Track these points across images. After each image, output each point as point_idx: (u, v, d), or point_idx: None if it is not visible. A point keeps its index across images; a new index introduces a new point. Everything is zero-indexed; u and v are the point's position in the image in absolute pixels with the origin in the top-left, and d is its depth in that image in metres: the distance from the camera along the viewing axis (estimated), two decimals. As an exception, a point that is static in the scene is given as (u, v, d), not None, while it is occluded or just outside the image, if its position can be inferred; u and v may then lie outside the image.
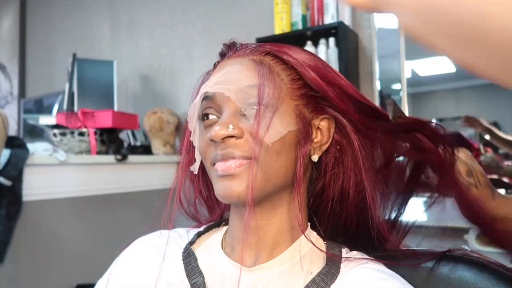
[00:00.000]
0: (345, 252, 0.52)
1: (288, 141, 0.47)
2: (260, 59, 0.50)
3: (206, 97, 0.49)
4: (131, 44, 2.60)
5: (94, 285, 0.57)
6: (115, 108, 2.16)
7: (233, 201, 0.48)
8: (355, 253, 0.52)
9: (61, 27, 2.99)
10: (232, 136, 0.46)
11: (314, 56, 0.52)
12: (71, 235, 1.61)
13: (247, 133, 0.46)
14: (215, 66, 0.55)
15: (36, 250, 1.49)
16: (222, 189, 0.47)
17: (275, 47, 0.51)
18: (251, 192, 0.45)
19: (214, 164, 0.48)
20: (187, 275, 0.52)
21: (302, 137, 0.48)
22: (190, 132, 0.53)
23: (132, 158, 1.84)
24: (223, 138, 0.46)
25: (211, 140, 0.47)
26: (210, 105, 0.49)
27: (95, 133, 1.75)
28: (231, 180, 0.46)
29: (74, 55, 2.08)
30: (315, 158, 0.50)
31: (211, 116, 0.50)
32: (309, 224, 0.54)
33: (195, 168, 0.53)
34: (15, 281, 1.38)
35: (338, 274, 0.48)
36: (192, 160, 0.55)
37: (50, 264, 1.53)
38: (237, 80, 0.48)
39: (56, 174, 1.58)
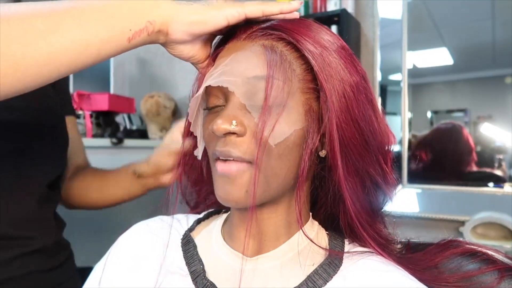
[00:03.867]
0: (347, 243, 0.52)
1: (292, 142, 0.44)
2: (271, 44, 0.46)
3: None
4: (128, 26, 2.55)
5: (91, 269, 0.56)
6: (111, 91, 2.13)
7: (231, 205, 0.47)
8: (357, 245, 0.51)
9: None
10: (233, 133, 0.44)
11: (340, 46, 0.48)
12: (66, 218, 1.60)
13: (249, 132, 0.44)
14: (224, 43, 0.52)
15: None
16: (221, 191, 0.46)
17: (290, 31, 0.47)
18: (253, 199, 0.44)
19: (215, 160, 0.46)
20: (186, 262, 0.52)
21: (310, 133, 0.46)
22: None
23: (128, 142, 1.82)
24: (224, 134, 0.44)
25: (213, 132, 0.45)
26: (215, 91, 0.47)
27: (91, 115, 1.72)
28: (230, 184, 0.45)
29: (70, 35, 2.03)
30: (323, 153, 0.48)
31: (216, 102, 0.48)
32: (310, 214, 0.53)
33: (198, 154, 0.52)
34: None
35: (341, 265, 0.48)
36: (194, 145, 0.54)
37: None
38: (244, 70, 0.45)
39: (51, 156, 1.55)
